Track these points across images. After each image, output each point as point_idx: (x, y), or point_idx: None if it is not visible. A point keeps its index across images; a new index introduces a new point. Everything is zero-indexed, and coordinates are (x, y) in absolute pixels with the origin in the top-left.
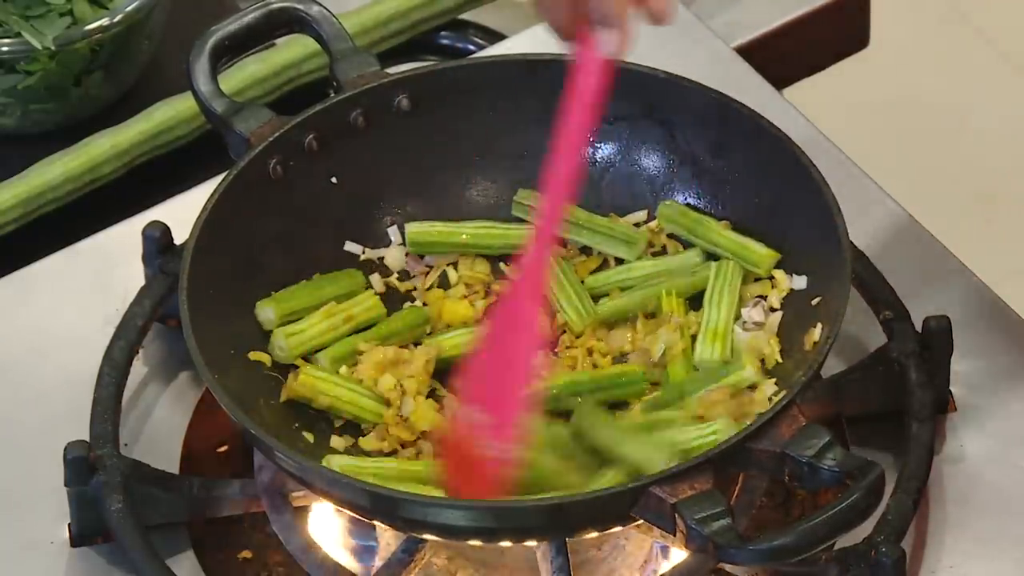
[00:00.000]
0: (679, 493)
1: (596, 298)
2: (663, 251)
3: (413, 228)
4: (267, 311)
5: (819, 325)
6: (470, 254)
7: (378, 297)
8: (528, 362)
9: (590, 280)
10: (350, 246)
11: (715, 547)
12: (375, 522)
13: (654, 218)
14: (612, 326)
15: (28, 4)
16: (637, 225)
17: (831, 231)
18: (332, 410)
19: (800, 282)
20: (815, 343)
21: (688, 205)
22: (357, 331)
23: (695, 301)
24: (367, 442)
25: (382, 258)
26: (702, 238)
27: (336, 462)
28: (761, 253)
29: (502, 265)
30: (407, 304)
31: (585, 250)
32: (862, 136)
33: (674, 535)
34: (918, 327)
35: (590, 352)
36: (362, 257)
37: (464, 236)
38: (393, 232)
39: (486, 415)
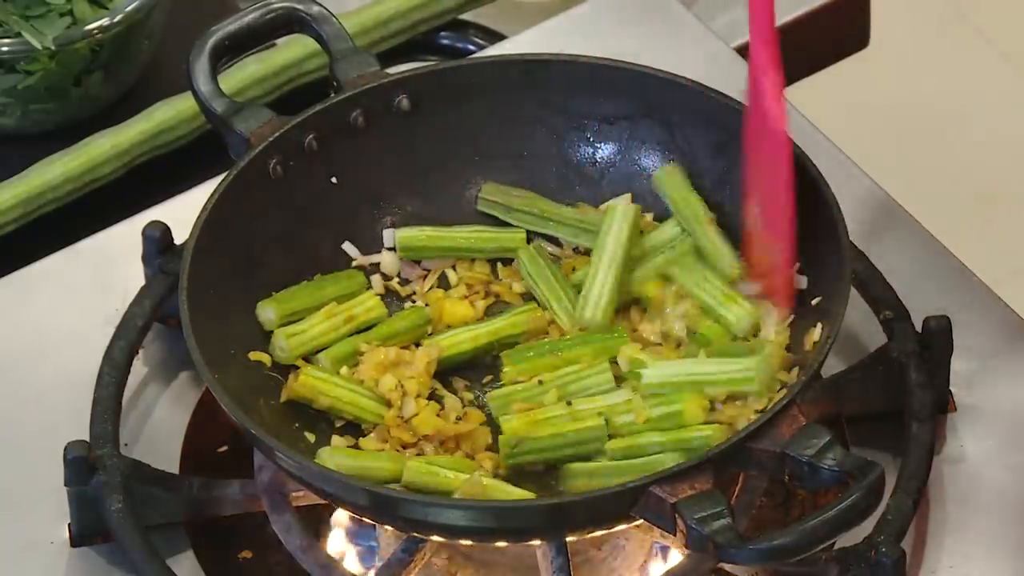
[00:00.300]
0: (679, 493)
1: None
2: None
3: (403, 233)
4: (268, 311)
5: (819, 325)
6: (465, 258)
7: (379, 298)
8: (781, 160)
9: (575, 277)
10: (348, 248)
11: (715, 547)
12: (375, 522)
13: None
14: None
15: (28, 4)
16: None
17: (831, 231)
18: (332, 411)
19: (800, 282)
20: (815, 343)
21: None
22: (358, 331)
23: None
24: (368, 442)
25: (377, 264)
26: (684, 220)
27: (327, 456)
28: (739, 314)
29: (500, 266)
30: (408, 304)
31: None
32: (862, 136)
33: (674, 535)
34: (918, 327)
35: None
36: (355, 263)
37: (455, 240)
38: (389, 236)
39: (763, 215)
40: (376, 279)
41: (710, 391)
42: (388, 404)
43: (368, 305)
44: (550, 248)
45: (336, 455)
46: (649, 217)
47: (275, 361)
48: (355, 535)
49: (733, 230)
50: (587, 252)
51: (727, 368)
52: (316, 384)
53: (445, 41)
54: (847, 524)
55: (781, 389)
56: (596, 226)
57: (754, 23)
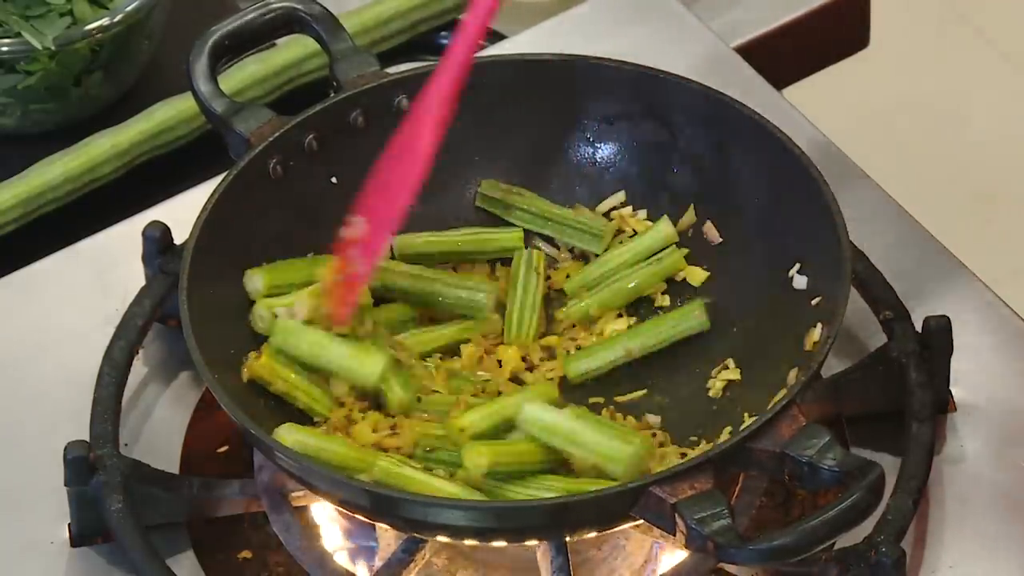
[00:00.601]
0: (679, 493)
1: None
2: (635, 234)
3: (402, 239)
4: (255, 280)
5: (819, 325)
6: (465, 260)
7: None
8: (408, 186)
9: (568, 284)
10: None
11: (715, 547)
12: (375, 522)
13: (630, 204)
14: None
15: (28, 4)
16: (609, 212)
17: (831, 231)
18: (286, 396)
19: (800, 282)
20: (815, 343)
21: (689, 204)
22: None
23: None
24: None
25: None
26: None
27: (286, 432)
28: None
29: (499, 265)
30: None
31: (572, 251)
32: (862, 136)
33: (674, 535)
34: (918, 327)
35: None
36: None
37: (453, 244)
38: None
39: (366, 228)
40: None
41: (576, 452)
42: (340, 404)
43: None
44: (547, 250)
45: (294, 432)
46: (643, 215)
47: (254, 332)
48: (355, 535)
49: (734, 229)
50: (583, 255)
51: (602, 443)
52: (274, 367)
53: (445, 41)
54: (847, 524)
55: (783, 388)
56: (592, 228)
57: (451, 55)
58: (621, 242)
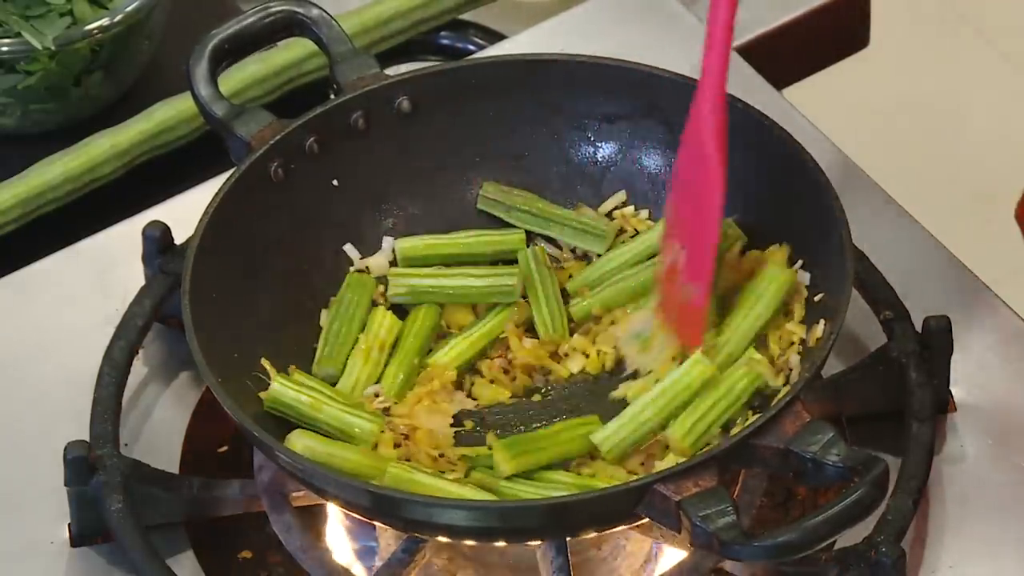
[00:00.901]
0: (683, 490)
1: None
2: (637, 233)
3: (404, 243)
4: (328, 371)
5: (822, 322)
6: (467, 263)
7: (390, 312)
8: (712, 203)
9: (571, 284)
10: (350, 250)
11: (720, 544)
12: (375, 522)
13: (631, 204)
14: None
15: (28, 4)
16: (612, 212)
17: (832, 227)
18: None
19: (804, 278)
20: (818, 339)
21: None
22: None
23: None
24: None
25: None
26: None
27: (296, 439)
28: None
29: (501, 266)
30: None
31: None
32: (862, 136)
33: (679, 532)
34: (918, 327)
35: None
36: (355, 265)
37: (455, 247)
38: (388, 245)
39: (685, 255)
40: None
41: None
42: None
43: (387, 325)
44: (550, 250)
45: (304, 438)
46: (644, 215)
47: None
48: (355, 535)
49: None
50: (585, 255)
51: None
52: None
53: (445, 41)
54: (852, 520)
55: (785, 385)
56: (595, 228)
57: (709, 59)
58: (623, 242)
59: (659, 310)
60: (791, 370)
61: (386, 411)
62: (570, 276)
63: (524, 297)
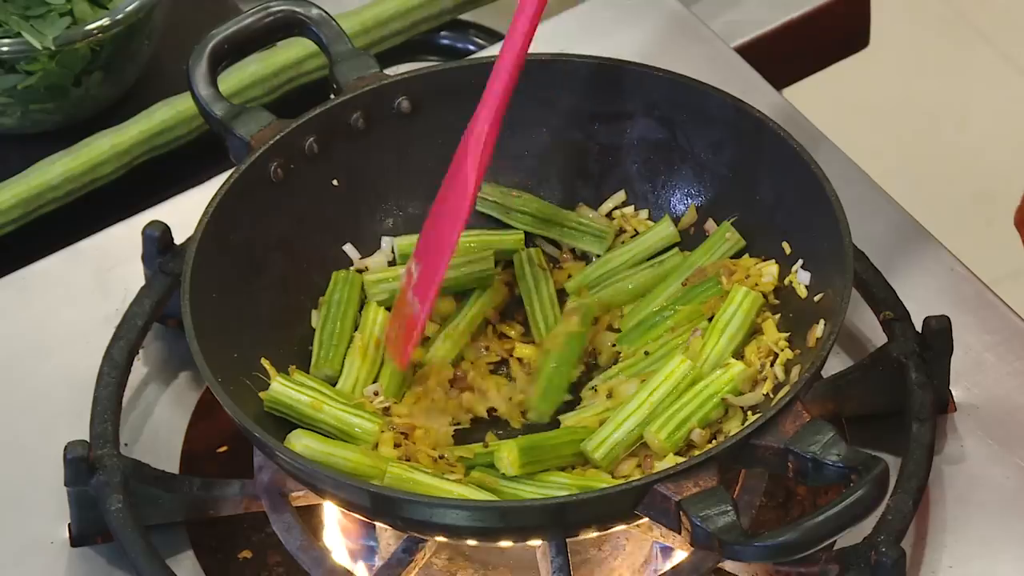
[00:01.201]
0: (684, 490)
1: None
2: (637, 234)
3: (403, 241)
4: (326, 373)
5: (822, 321)
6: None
7: (383, 309)
8: (455, 225)
9: (569, 284)
10: (349, 250)
11: (720, 544)
12: (375, 522)
13: (631, 204)
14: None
15: (28, 4)
16: (611, 212)
17: (833, 226)
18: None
19: (803, 278)
20: (818, 339)
21: (690, 203)
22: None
23: None
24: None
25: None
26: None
27: (295, 439)
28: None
29: (500, 268)
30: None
31: (573, 251)
32: (862, 136)
33: (679, 532)
34: (918, 327)
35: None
36: (355, 265)
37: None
38: (387, 243)
39: (419, 269)
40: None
41: None
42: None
43: (380, 322)
44: (549, 250)
45: (304, 438)
46: (644, 215)
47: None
48: (355, 535)
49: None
50: (584, 256)
51: None
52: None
53: (445, 41)
54: (853, 519)
55: (785, 385)
56: (594, 228)
57: (494, 82)
58: (623, 242)
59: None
60: (777, 379)
61: (386, 411)
62: (569, 276)
63: (508, 284)
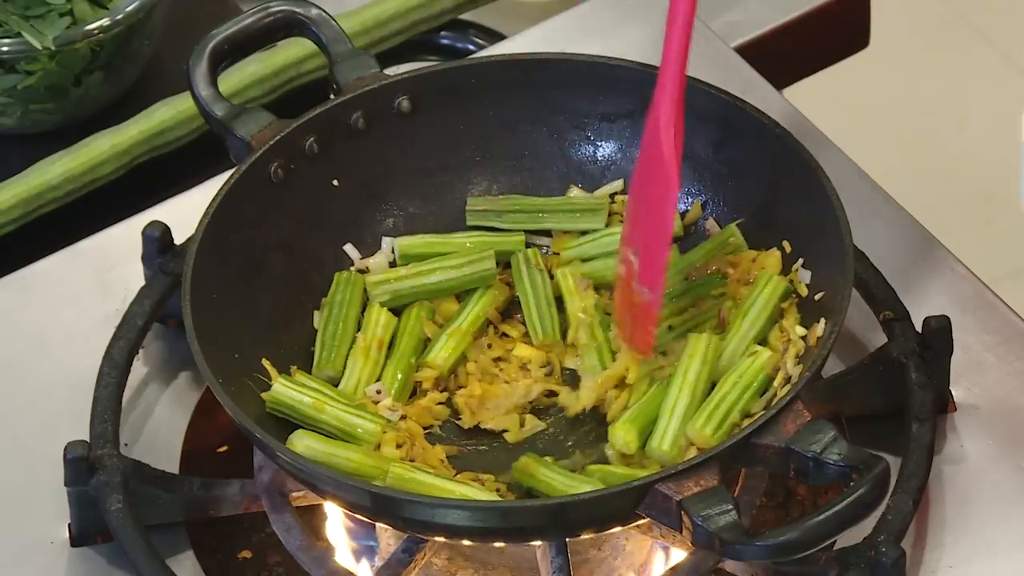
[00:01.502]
0: (684, 490)
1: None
2: None
3: (403, 241)
4: (327, 374)
5: (823, 320)
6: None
7: (387, 311)
8: (665, 208)
9: (564, 254)
10: (350, 250)
11: (721, 543)
12: (377, 522)
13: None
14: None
15: (28, 4)
16: (612, 197)
17: (833, 226)
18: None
19: (804, 277)
20: (819, 338)
21: (690, 200)
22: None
23: None
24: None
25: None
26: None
27: (297, 439)
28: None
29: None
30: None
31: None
32: (862, 136)
33: (680, 532)
34: (918, 327)
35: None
36: (356, 265)
37: (454, 246)
38: (388, 244)
39: (640, 259)
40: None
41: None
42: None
43: (383, 323)
44: (543, 240)
45: (306, 438)
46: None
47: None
48: (355, 535)
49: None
50: (582, 235)
51: None
52: (280, 399)
53: (445, 41)
54: (853, 518)
55: (786, 384)
56: (588, 205)
57: (666, 68)
58: (620, 221)
59: (614, 318)
60: (788, 373)
61: (403, 419)
62: (560, 272)
63: (509, 284)
